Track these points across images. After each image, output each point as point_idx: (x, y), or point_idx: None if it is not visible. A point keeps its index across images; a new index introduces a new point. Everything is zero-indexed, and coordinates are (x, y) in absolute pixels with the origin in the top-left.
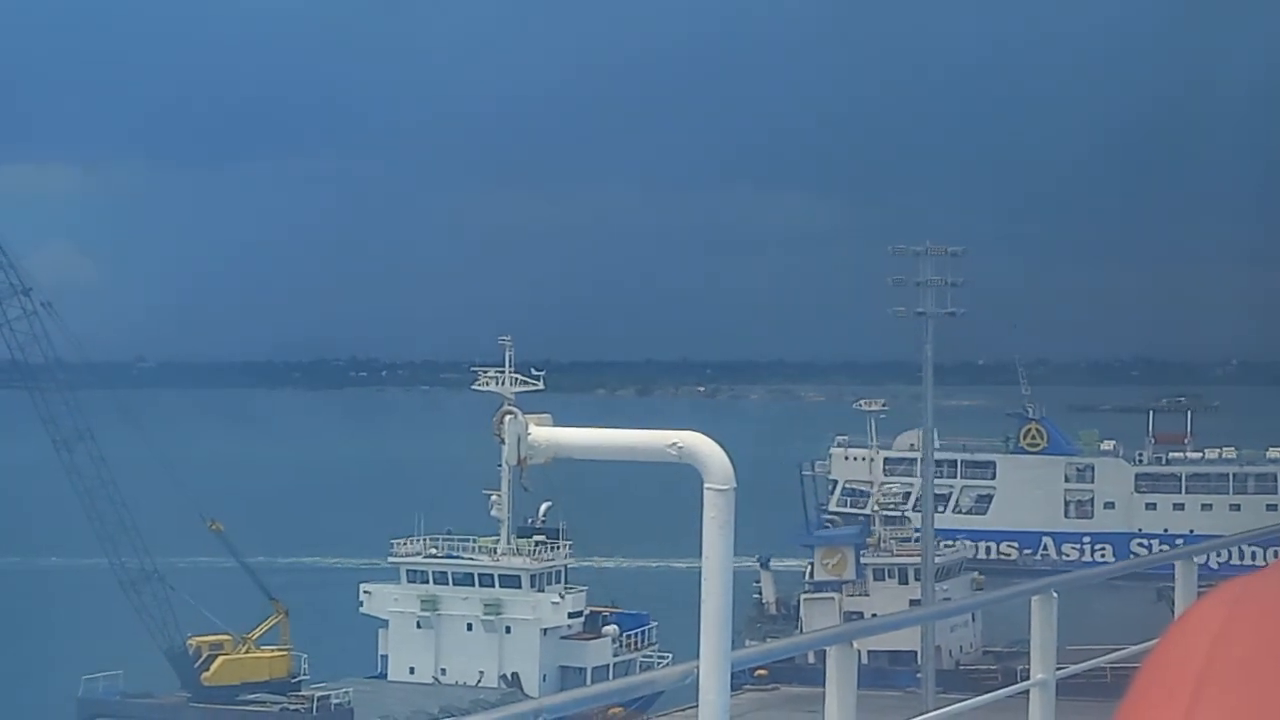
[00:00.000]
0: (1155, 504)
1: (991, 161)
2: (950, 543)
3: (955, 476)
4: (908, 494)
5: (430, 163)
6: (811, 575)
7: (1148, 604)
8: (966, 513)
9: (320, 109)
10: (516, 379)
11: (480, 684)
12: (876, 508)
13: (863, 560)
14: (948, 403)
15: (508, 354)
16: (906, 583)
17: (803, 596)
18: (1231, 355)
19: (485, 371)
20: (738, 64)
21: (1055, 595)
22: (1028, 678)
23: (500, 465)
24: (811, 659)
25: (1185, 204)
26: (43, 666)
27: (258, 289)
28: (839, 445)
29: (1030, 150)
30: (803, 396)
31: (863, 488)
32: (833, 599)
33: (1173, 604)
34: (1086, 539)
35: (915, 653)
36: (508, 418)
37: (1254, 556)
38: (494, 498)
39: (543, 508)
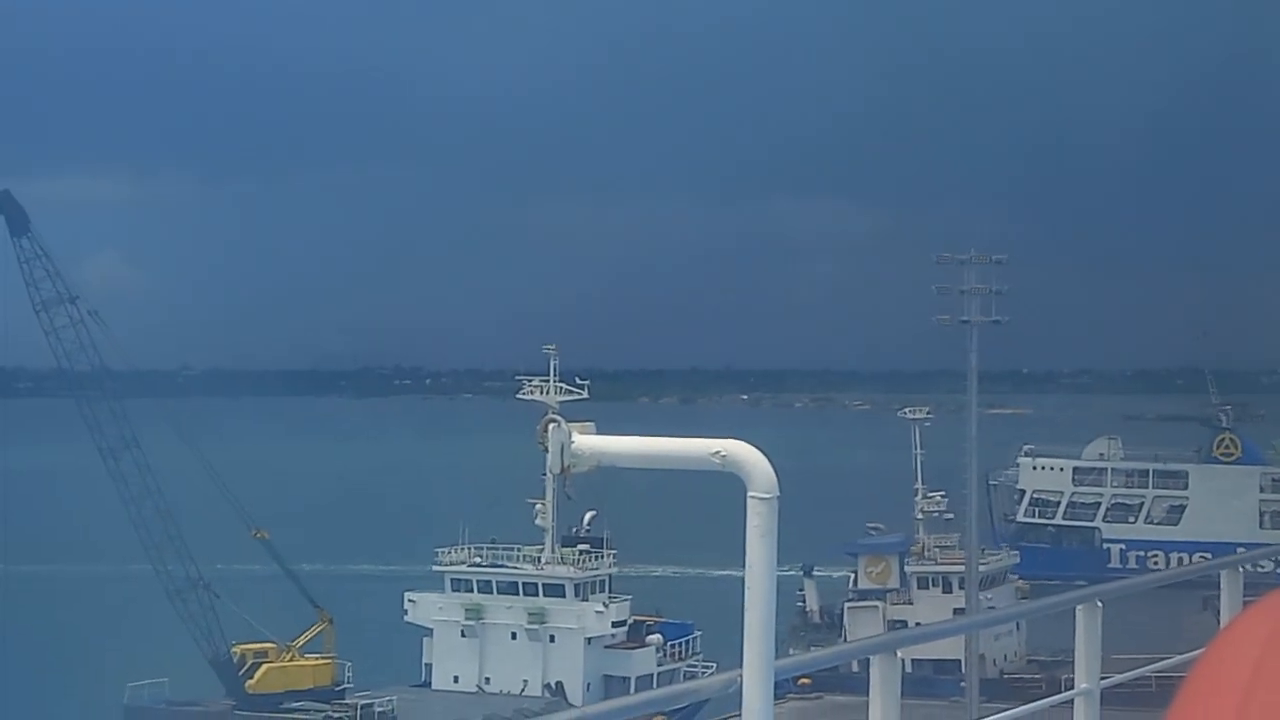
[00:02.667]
0: None
1: (1036, 169)
2: (995, 551)
3: (1146, 487)
4: (1096, 503)
5: (475, 172)
6: (855, 584)
7: (1194, 612)
8: (1158, 523)
9: (367, 119)
10: (560, 387)
11: (524, 693)
12: (920, 515)
13: (907, 569)
14: (990, 411)
15: (552, 362)
16: (951, 591)
17: (847, 605)
18: (1279, 364)
19: (529, 380)
20: (782, 73)
21: (1100, 604)
22: (1072, 687)
23: (544, 474)
24: (855, 668)
25: (1231, 210)
26: (89, 674)
27: (304, 298)
28: (1026, 454)
29: (1075, 157)
30: (847, 405)
31: (1051, 498)
32: (877, 607)
33: (1218, 613)
34: None
35: (959, 661)
36: (551, 426)
37: None
38: (538, 506)
39: (587, 516)
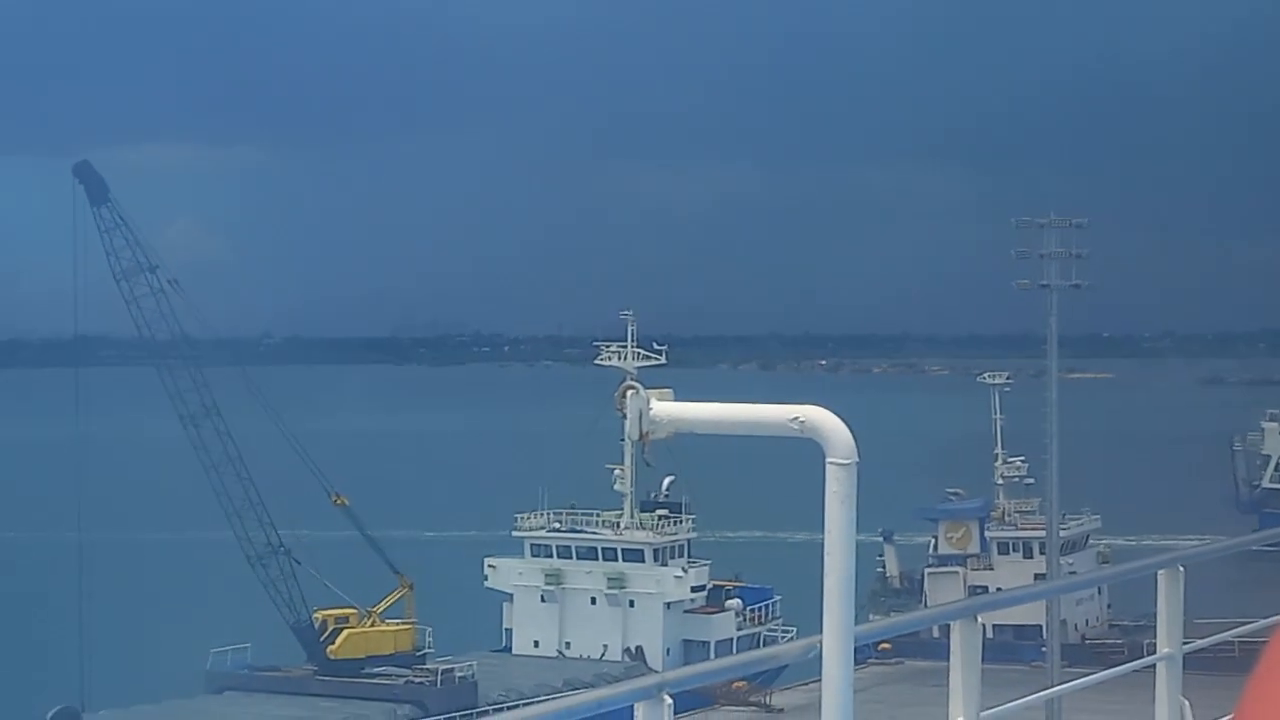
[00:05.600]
0: None
1: (1116, 132)
2: (1076, 515)
3: None
4: None
5: (552, 141)
6: (935, 549)
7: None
8: None
9: (446, 88)
10: (639, 354)
11: (604, 658)
12: (1000, 480)
13: (987, 534)
14: (1071, 375)
15: (630, 329)
16: (1031, 556)
17: (927, 570)
18: None
19: (608, 346)
20: (863, 43)
21: (1182, 569)
22: (1154, 652)
23: (623, 440)
24: (935, 633)
25: None
26: (171, 640)
27: (383, 266)
28: (1272, 419)
29: (1154, 120)
30: (926, 370)
31: None
32: (957, 573)
33: None
34: None
35: (1040, 627)
36: (630, 393)
37: None
38: (617, 472)
39: (666, 482)
